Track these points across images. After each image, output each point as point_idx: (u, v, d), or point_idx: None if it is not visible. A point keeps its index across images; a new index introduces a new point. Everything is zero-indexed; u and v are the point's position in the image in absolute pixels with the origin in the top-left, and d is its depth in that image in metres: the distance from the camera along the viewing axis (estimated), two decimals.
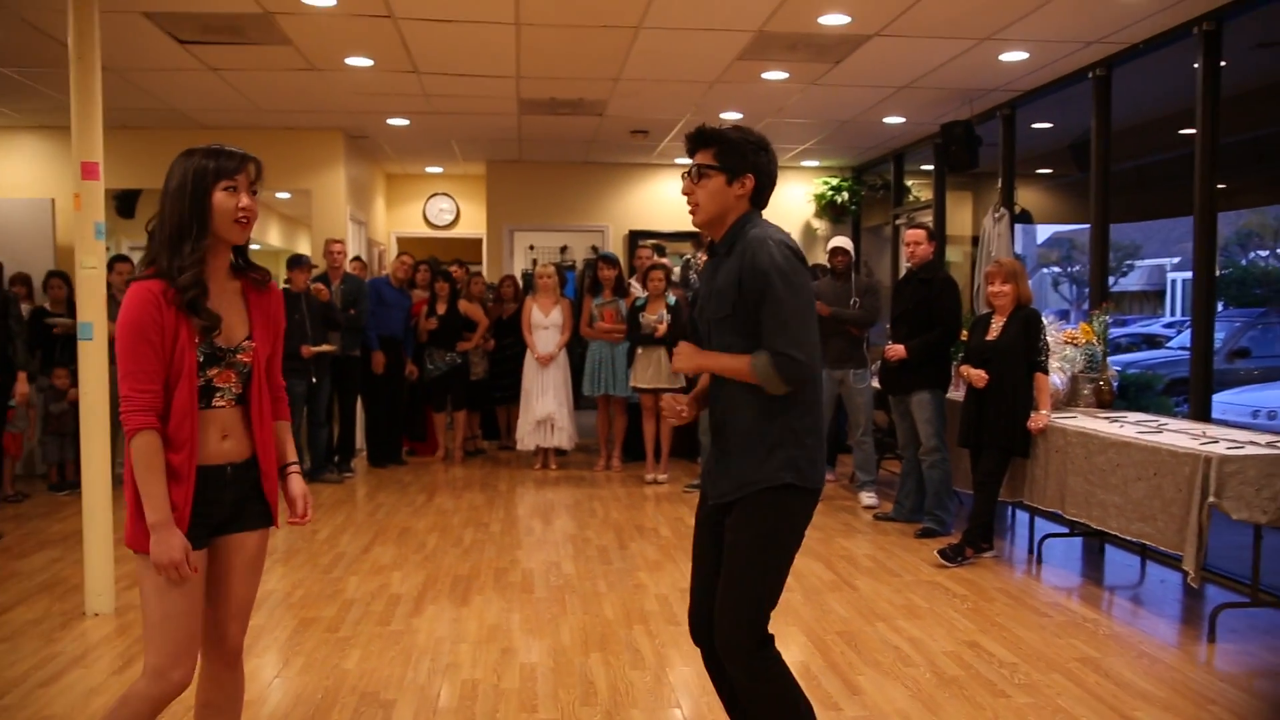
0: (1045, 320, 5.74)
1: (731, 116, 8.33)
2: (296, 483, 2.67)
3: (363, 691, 3.67)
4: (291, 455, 2.69)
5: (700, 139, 2.69)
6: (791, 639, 4.25)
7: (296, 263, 7.69)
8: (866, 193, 10.83)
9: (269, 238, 13.82)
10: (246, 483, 2.53)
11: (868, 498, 7.02)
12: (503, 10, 5.52)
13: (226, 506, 2.50)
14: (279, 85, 7.23)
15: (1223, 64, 5.50)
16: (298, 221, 14.04)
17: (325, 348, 7.63)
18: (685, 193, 2.71)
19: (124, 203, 9.35)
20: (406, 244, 12.74)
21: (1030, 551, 5.83)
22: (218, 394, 2.47)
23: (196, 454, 2.40)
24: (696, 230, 9.68)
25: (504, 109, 8.08)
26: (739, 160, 2.66)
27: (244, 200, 2.42)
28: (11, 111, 8.15)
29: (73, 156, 4.60)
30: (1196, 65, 5.51)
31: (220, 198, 2.39)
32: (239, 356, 2.49)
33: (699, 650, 2.82)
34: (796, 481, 2.59)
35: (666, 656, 4.07)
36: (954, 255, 9.57)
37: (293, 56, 6.42)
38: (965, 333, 6.11)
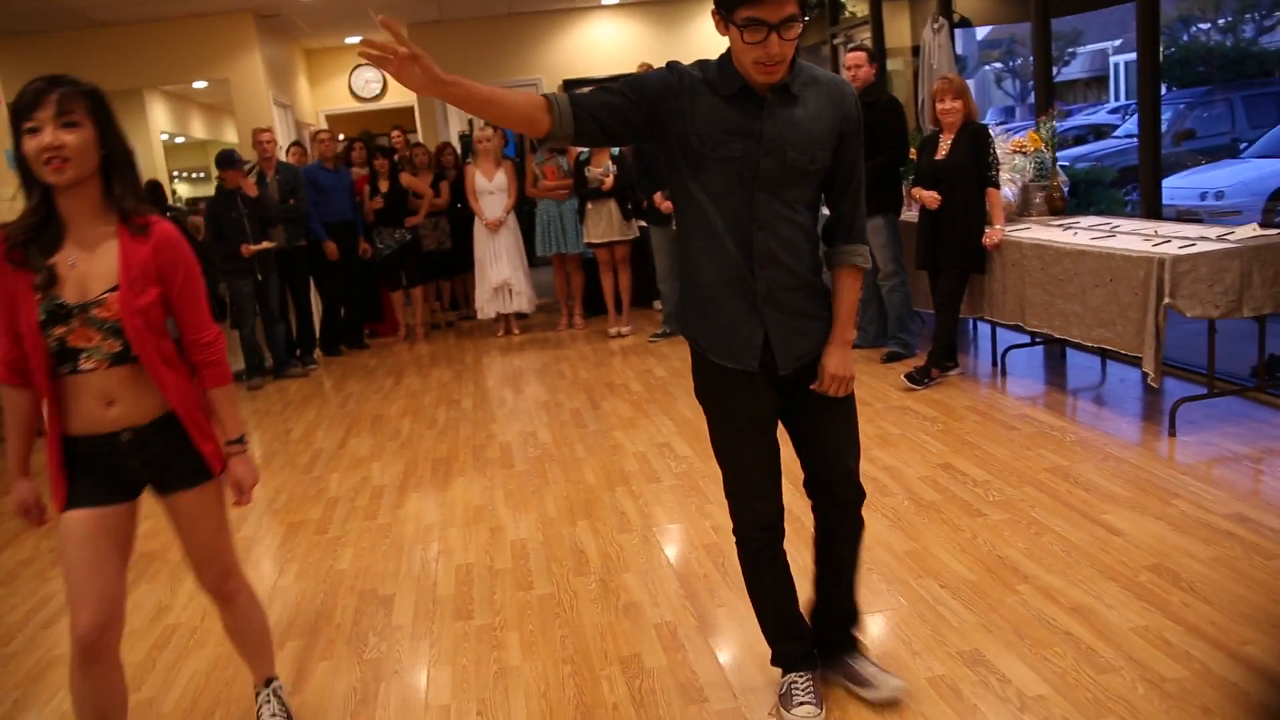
0: (992, 132, 5.71)
1: None
2: (238, 465, 2.43)
3: (361, 590, 3.74)
4: (235, 430, 2.42)
5: None
6: None
7: (226, 160, 7.42)
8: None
9: (193, 130, 13.37)
10: (162, 442, 2.33)
11: None
12: None
13: (136, 471, 2.35)
14: None
15: None
16: (221, 110, 13.56)
17: (266, 245, 7.44)
18: (775, 54, 2.17)
19: None
20: (336, 120, 12.38)
21: (994, 364, 5.93)
22: (82, 355, 2.23)
23: (56, 419, 2.27)
24: (633, 73, 9.42)
25: None
26: None
27: (45, 138, 2.12)
28: None
29: None
30: None
31: (24, 141, 2.15)
32: (95, 311, 2.21)
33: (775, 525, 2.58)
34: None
35: (651, 515, 4.16)
36: (894, 65, 9.38)
37: None
38: (914, 151, 6.05)
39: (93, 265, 2.23)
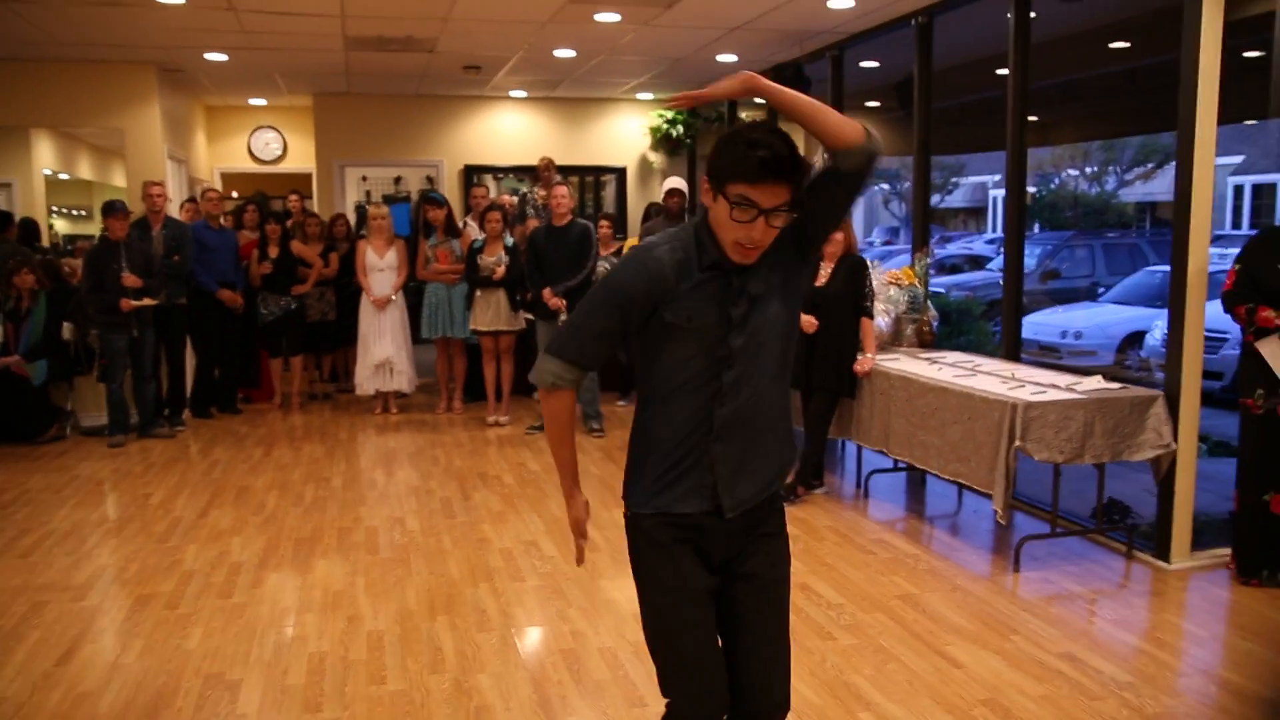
0: (870, 262, 6.02)
1: (564, 54, 8.26)
2: None
3: (207, 673, 3.64)
4: None
5: (789, 170, 2.03)
6: (617, 593, 4.41)
7: (111, 209, 7.27)
8: (702, 125, 10.92)
9: (79, 170, 13.04)
10: None
11: None
12: None
13: None
14: (80, 19, 6.76)
15: (1033, 15, 5.77)
16: (110, 152, 13.26)
17: (146, 301, 7.29)
18: (757, 238, 2.07)
19: None
20: (232, 180, 12.26)
21: (858, 486, 6.16)
22: None
23: None
24: (534, 165, 9.59)
25: (329, 45, 7.79)
26: None
27: None
28: None
29: None
30: (1010, 15, 5.76)
31: None
32: None
33: None
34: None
35: (511, 615, 4.17)
36: None
37: None
38: None
39: None
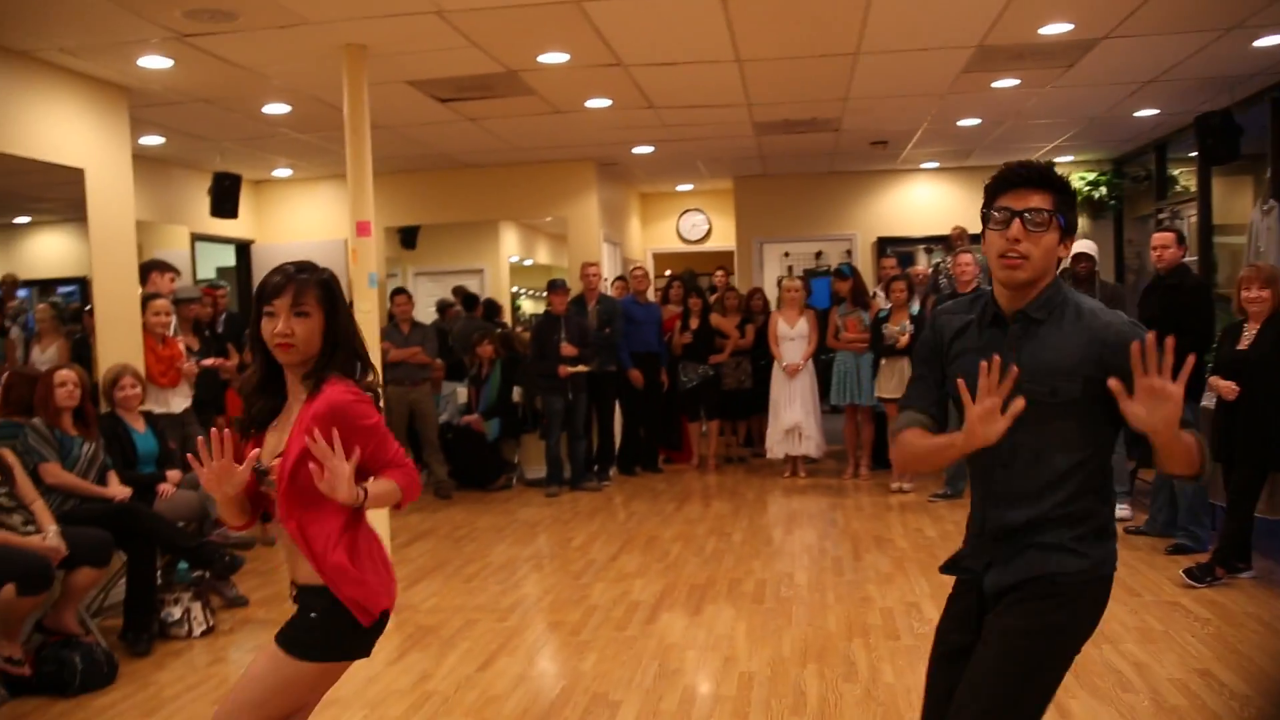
0: None
1: (970, 123, 8.24)
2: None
3: (594, 692, 4.07)
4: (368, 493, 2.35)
5: (1039, 178, 2.15)
6: None
7: (553, 286, 8.33)
8: (1129, 185, 10.30)
9: (537, 256, 14.82)
10: (304, 602, 2.39)
11: (1120, 509, 6.78)
12: (721, 50, 5.83)
13: None
14: (529, 127, 7.84)
15: None
16: (562, 239, 14.97)
17: (580, 368, 8.19)
18: (1013, 238, 2.13)
19: (407, 235, 10.42)
20: (663, 259, 13.32)
21: None
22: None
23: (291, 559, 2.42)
24: (947, 235, 9.57)
25: (741, 132, 8.37)
26: (1073, 217, 2.20)
27: (279, 325, 2.30)
28: (309, 166, 9.28)
29: (349, 216, 5.30)
30: None
31: (263, 323, 2.33)
32: (270, 475, 2.36)
33: None
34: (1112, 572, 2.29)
35: (879, 670, 4.23)
36: (1232, 240, 8.92)
37: (538, 104, 6.98)
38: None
39: (282, 429, 2.41)
